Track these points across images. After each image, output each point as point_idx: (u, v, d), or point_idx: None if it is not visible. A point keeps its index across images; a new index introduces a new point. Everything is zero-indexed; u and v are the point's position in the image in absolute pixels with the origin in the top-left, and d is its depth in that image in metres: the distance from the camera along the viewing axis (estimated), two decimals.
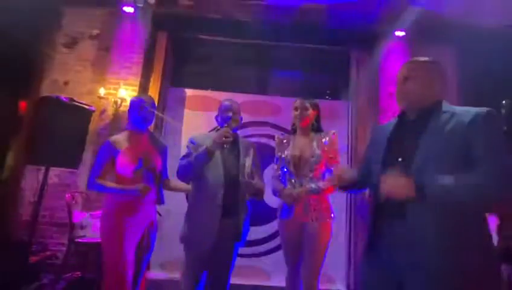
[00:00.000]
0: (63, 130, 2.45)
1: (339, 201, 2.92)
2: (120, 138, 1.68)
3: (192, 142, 1.65)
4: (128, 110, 1.74)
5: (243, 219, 1.60)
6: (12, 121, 3.34)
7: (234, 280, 2.83)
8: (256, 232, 3.04)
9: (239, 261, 2.97)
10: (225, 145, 1.56)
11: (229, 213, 1.54)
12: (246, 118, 3.34)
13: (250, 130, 3.28)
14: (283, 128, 3.07)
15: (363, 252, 1.14)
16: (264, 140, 3.24)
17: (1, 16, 2.69)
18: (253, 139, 3.25)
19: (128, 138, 1.68)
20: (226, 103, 1.70)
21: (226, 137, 1.51)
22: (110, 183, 1.62)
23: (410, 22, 3.00)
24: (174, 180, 1.75)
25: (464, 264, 0.92)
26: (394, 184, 0.96)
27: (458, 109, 1.05)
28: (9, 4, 2.81)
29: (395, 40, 3.17)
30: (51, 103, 2.53)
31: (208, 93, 3.37)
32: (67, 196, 2.59)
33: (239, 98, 3.34)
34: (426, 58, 1.17)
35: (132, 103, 1.73)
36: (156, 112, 3.10)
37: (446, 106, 1.09)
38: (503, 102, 2.12)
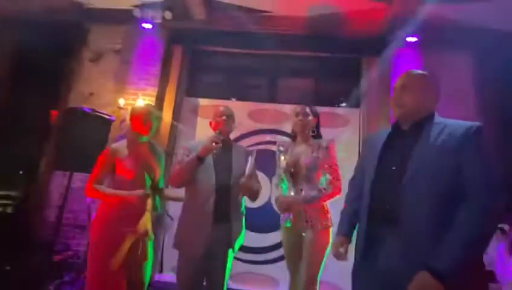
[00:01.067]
0: (86, 138, 2.65)
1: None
2: (120, 146, 1.71)
3: (185, 149, 1.68)
4: (130, 118, 1.78)
5: (236, 224, 1.60)
6: (44, 130, 3.65)
7: (243, 287, 2.91)
8: (264, 239, 3.07)
9: (247, 268, 3.06)
10: (215, 151, 1.55)
11: (221, 219, 1.55)
12: (257, 126, 3.44)
13: (260, 138, 3.35)
14: (287, 135, 3.10)
15: (356, 261, 1.15)
16: (273, 147, 3.28)
17: (35, 35, 3.00)
18: (264, 147, 3.32)
19: (129, 146, 1.71)
20: (221, 109, 1.72)
21: (215, 143, 1.51)
22: (109, 190, 1.65)
23: (423, 28, 2.95)
24: (167, 190, 1.78)
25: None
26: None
27: (449, 121, 1.09)
28: (42, 23, 3.12)
29: (406, 46, 3.13)
30: (75, 113, 2.76)
31: (220, 102, 3.50)
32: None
33: (251, 106, 3.46)
34: (422, 71, 1.21)
35: (134, 112, 1.77)
36: (173, 121, 3.30)
37: (438, 118, 1.12)
38: None
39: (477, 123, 1.04)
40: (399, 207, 1.00)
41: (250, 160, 1.63)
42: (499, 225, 2.90)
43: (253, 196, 1.67)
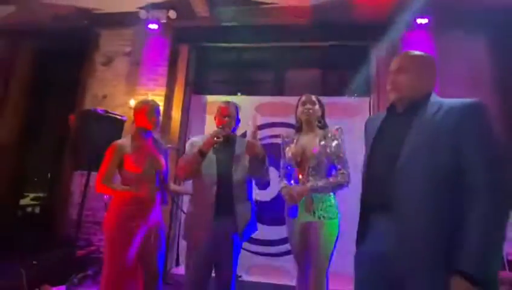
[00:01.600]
0: (101, 139, 2.77)
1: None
2: (126, 142, 1.75)
3: (190, 144, 1.72)
4: (134, 114, 1.80)
5: (241, 213, 1.62)
6: (65, 133, 3.85)
7: (256, 279, 2.96)
8: (277, 232, 3.09)
9: (261, 260, 3.09)
10: (215, 145, 1.60)
11: (223, 211, 1.59)
12: (265, 119, 3.43)
13: (269, 131, 3.35)
14: (291, 126, 3.07)
15: (356, 246, 1.14)
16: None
17: (49, 44, 3.15)
18: (272, 140, 3.31)
19: (134, 142, 1.76)
20: (223, 105, 1.75)
21: (217, 138, 1.56)
22: (118, 186, 1.71)
23: (433, 8, 2.81)
24: (173, 184, 1.83)
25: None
26: None
27: (446, 100, 1.04)
28: (54, 32, 3.27)
29: (417, 29, 2.99)
30: (89, 115, 2.89)
31: (227, 98, 3.52)
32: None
33: (257, 100, 3.46)
34: (419, 52, 1.17)
35: (138, 108, 1.79)
36: (183, 119, 3.36)
37: (435, 98, 1.08)
38: None
39: (475, 99, 0.98)
40: (394, 192, 0.98)
41: (252, 121, 1.67)
42: None
43: (262, 179, 1.68)
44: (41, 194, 4.25)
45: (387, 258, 0.98)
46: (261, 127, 3.39)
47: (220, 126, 1.66)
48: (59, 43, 3.27)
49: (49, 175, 4.18)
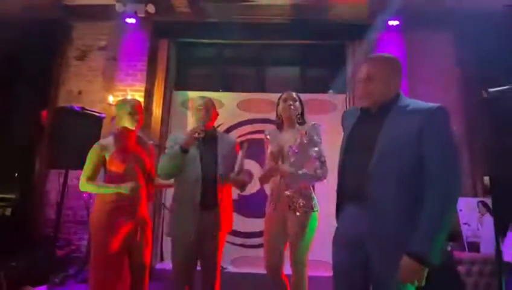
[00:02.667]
0: (78, 136, 2.71)
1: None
2: (108, 140, 1.76)
3: (169, 141, 1.74)
4: (117, 114, 1.79)
5: (223, 210, 1.69)
6: (36, 129, 3.67)
7: (241, 270, 3.06)
8: (260, 224, 3.20)
9: (245, 252, 3.20)
10: (197, 141, 1.62)
11: (208, 206, 1.64)
12: (246, 115, 3.50)
13: (250, 128, 3.42)
14: (272, 122, 3.17)
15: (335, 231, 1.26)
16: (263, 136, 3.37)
17: (18, 35, 2.98)
18: (254, 136, 3.39)
19: (117, 140, 1.76)
20: (199, 100, 1.76)
21: (197, 133, 1.58)
22: (101, 184, 1.72)
23: (403, 10, 3.00)
24: (157, 179, 1.83)
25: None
26: (409, 274, 1.01)
27: (413, 102, 1.15)
28: (24, 23, 3.09)
29: (389, 30, 3.18)
30: (65, 112, 2.81)
31: (208, 94, 3.53)
32: (84, 195, 2.86)
33: (239, 96, 3.52)
34: (383, 56, 1.26)
35: (120, 107, 1.78)
36: (163, 115, 3.34)
37: (403, 99, 1.18)
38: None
39: (437, 104, 1.09)
40: (367, 184, 1.10)
41: (241, 154, 1.70)
42: (480, 199, 3.08)
43: (242, 188, 1.75)
44: (9, 195, 4.04)
45: (360, 240, 1.11)
46: (242, 123, 3.46)
47: (199, 122, 1.68)
48: (30, 35, 3.10)
49: (15, 174, 3.95)
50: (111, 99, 3.29)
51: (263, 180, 1.76)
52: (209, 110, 1.75)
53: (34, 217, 3.28)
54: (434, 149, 1.05)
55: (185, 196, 1.66)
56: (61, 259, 2.80)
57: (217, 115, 1.82)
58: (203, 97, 1.79)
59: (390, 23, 3.14)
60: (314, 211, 1.77)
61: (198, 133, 1.60)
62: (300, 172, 1.71)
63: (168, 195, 3.20)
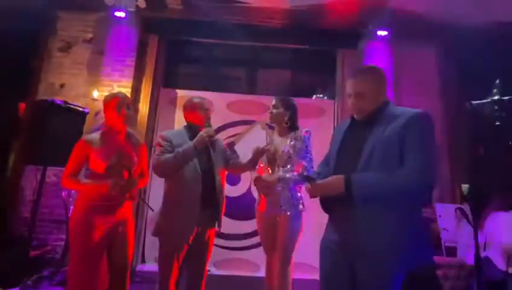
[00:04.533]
0: (59, 131, 2.59)
1: None
2: (95, 137, 1.71)
3: (165, 139, 1.71)
4: (104, 110, 1.74)
5: (220, 209, 1.72)
6: (12, 122, 3.48)
7: (224, 272, 3.03)
8: (244, 226, 3.19)
9: (229, 254, 3.17)
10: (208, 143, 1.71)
11: (208, 204, 1.66)
12: (235, 117, 3.48)
13: (239, 129, 3.41)
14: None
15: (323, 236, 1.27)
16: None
17: (1, 23, 2.82)
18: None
19: (104, 137, 1.71)
20: (202, 101, 1.78)
21: (210, 136, 1.68)
22: (83, 180, 1.66)
23: (392, 22, 3.10)
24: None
25: (403, 250, 1.06)
26: (327, 182, 1.12)
27: (399, 111, 1.18)
28: (4, 11, 2.93)
29: (378, 40, 3.27)
30: (45, 106, 2.68)
31: (198, 93, 3.49)
32: (63, 193, 2.73)
33: (229, 97, 3.49)
34: (369, 69, 1.30)
35: (108, 102, 1.73)
36: (151, 113, 3.26)
37: (391, 108, 1.21)
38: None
39: (419, 110, 1.13)
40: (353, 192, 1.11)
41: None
42: (458, 206, 3.21)
43: (254, 165, 1.85)
44: None
45: (344, 248, 1.14)
46: (231, 125, 3.44)
47: (206, 123, 1.73)
48: (10, 24, 2.94)
49: None
50: (96, 94, 3.18)
51: (264, 192, 1.82)
52: (210, 111, 1.83)
53: (8, 215, 3.09)
54: (412, 150, 1.08)
55: (184, 195, 1.65)
56: (35, 260, 2.65)
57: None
58: (204, 98, 1.82)
59: (379, 33, 3.23)
60: (300, 213, 1.81)
61: (211, 136, 1.68)
62: (288, 175, 1.76)
63: (152, 195, 3.12)
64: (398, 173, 1.08)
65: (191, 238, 1.64)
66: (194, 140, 1.68)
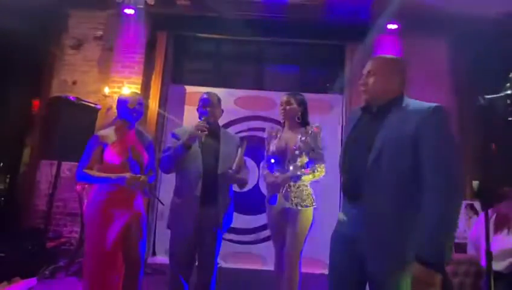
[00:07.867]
0: (72, 127, 2.66)
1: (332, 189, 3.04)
2: (108, 132, 1.76)
3: (173, 136, 1.74)
4: (117, 107, 1.80)
5: (223, 207, 1.70)
6: (26, 119, 3.58)
7: (234, 266, 3.08)
8: (253, 221, 3.23)
9: (237, 248, 3.22)
10: (202, 138, 1.64)
11: (208, 202, 1.64)
12: (243, 112, 3.50)
13: (247, 124, 3.43)
14: (279, 122, 3.20)
15: (334, 229, 1.28)
16: (260, 134, 3.38)
17: (13, 21, 2.89)
18: (250, 133, 3.41)
19: (116, 132, 1.76)
20: (204, 96, 1.76)
21: (201, 131, 1.58)
22: (98, 173, 1.70)
23: (402, 15, 3.04)
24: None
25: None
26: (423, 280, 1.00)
27: (413, 103, 1.15)
28: (18, 9, 3.00)
29: (387, 33, 3.22)
30: (60, 102, 2.75)
31: (207, 90, 3.51)
32: (77, 187, 2.81)
33: (237, 93, 3.51)
34: (387, 55, 1.29)
35: (121, 101, 1.79)
36: (160, 109, 3.32)
37: (404, 100, 1.19)
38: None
39: (435, 104, 1.09)
40: (365, 183, 1.11)
41: (240, 151, 1.70)
42: (469, 202, 3.17)
43: (242, 185, 1.76)
44: None
45: (356, 239, 1.13)
46: (239, 120, 3.46)
47: (203, 118, 1.68)
48: (23, 22, 3.01)
49: (1, 164, 3.84)
50: (107, 90, 3.24)
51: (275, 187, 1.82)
52: (214, 105, 1.75)
53: (24, 208, 3.21)
54: (429, 149, 1.05)
55: (185, 191, 1.67)
56: (51, 251, 2.76)
57: (222, 112, 1.83)
58: (209, 92, 1.79)
59: (389, 26, 3.18)
60: (310, 207, 1.82)
61: (202, 131, 1.59)
62: (299, 173, 1.78)
63: (163, 189, 3.18)
64: (427, 203, 1.02)
65: (195, 234, 1.64)
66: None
